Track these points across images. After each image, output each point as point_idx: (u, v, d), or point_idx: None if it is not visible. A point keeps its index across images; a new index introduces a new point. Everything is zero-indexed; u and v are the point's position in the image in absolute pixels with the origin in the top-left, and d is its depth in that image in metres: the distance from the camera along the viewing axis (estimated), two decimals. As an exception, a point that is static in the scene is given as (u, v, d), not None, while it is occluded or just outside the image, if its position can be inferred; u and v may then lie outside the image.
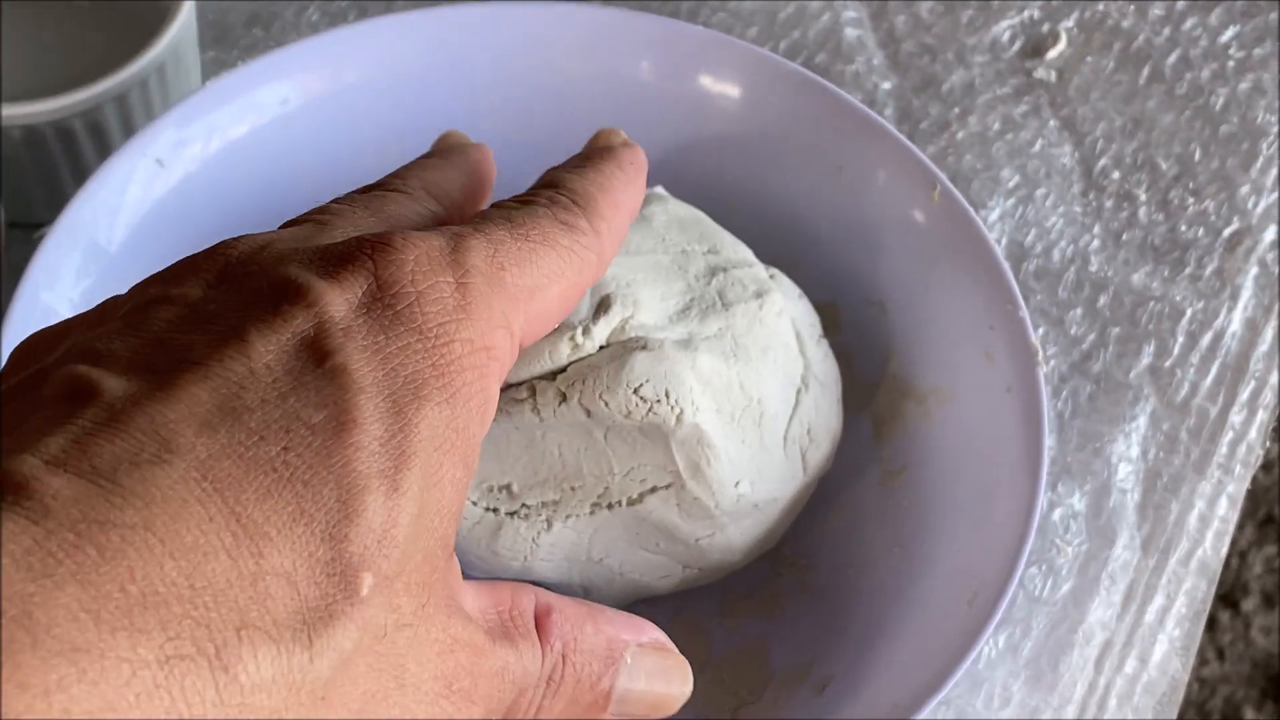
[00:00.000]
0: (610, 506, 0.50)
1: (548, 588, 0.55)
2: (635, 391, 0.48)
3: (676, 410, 0.49)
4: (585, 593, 0.54)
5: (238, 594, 0.26)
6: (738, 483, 0.51)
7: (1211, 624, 1.40)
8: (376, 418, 0.29)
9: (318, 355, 0.29)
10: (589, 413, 0.48)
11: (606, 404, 0.48)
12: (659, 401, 0.48)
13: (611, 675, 0.36)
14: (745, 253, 0.55)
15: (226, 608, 0.26)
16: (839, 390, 0.56)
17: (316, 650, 0.27)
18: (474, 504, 0.50)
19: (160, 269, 0.33)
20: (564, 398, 0.49)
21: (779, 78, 0.61)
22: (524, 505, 0.50)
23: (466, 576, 0.48)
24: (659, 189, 0.56)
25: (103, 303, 0.33)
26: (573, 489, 0.50)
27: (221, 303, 0.31)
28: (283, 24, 0.70)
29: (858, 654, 0.53)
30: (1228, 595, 1.41)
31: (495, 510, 0.50)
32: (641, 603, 0.56)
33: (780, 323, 0.53)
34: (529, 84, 0.62)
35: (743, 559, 0.54)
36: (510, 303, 0.34)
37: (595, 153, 0.44)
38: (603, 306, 0.50)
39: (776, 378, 0.52)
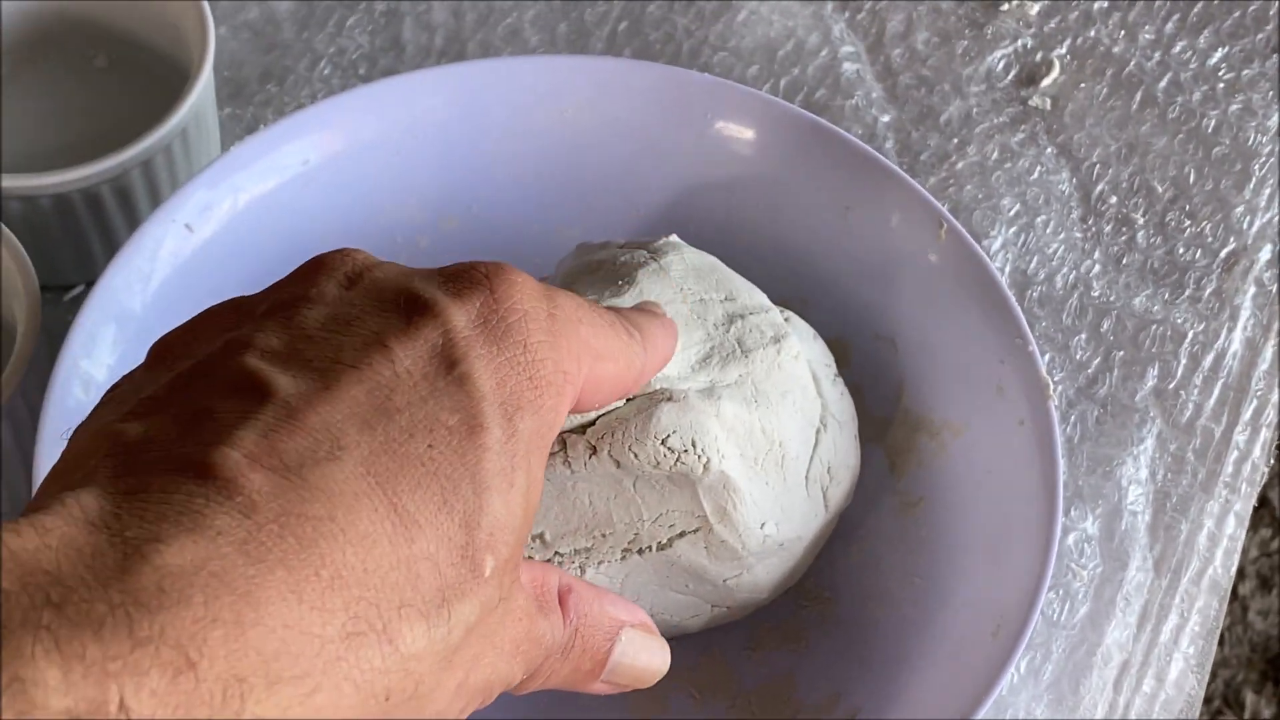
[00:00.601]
0: (640, 552, 0.52)
1: None
2: (663, 442, 0.50)
3: (704, 459, 0.50)
4: None
5: (397, 576, 0.31)
6: (763, 524, 0.52)
7: (1209, 609, 1.42)
8: (496, 423, 0.34)
9: (447, 363, 0.34)
10: (619, 464, 0.50)
11: (635, 455, 0.50)
12: (686, 451, 0.50)
13: (609, 649, 0.42)
14: (760, 298, 0.57)
15: (389, 589, 0.31)
16: (855, 427, 0.58)
17: (453, 624, 0.32)
18: None
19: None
20: (594, 450, 0.50)
21: (786, 122, 0.62)
22: (557, 553, 0.52)
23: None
24: (673, 237, 0.58)
25: (233, 300, 0.38)
26: (603, 536, 0.52)
27: (360, 306, 0.35)
28: (296, 79, 0.71)
29: (884, 686, 0.55)
30: (1226, 579, 1.43)
31: (530, 559, 0.52)
32: (671, 640, 0.58)
33: (797, 366, 0.55)
34: (542, 136, 0.64)
35: (769, 596, 0.56)
36: (582, 347, 0.39)
37: (641, 308, 0.50)
38: None
39: (796, 420, 0.54)
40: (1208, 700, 1.38)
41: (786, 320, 0.57)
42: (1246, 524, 0.62)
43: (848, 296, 0.62)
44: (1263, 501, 1.42)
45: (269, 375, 0.33)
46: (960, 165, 0.70)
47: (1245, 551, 1.43)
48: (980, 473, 0.57)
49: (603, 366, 0.41)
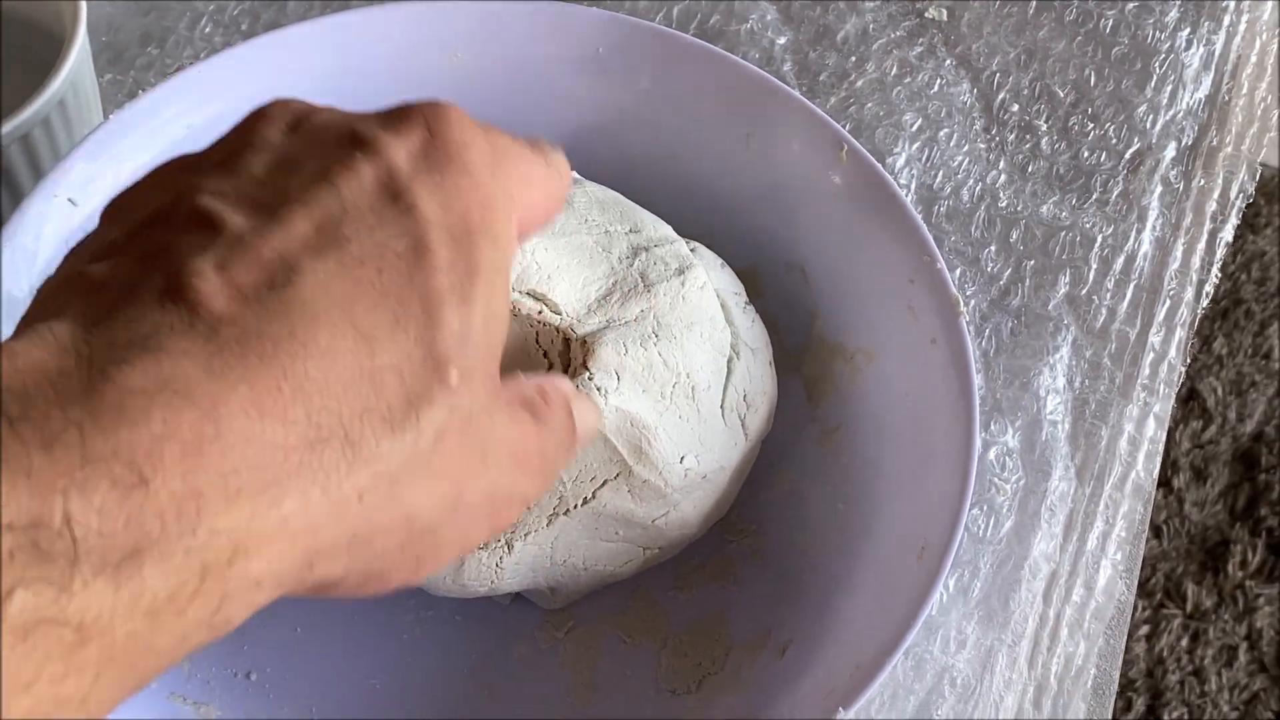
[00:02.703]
0: (567, 513, 0.51)
1: (521, 593, 0.56)
2: None
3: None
4: (553, 592, 0.55)
5: (361, 388, 0.32)
6: (683, 458, 0.52)
7: (1146, 504, 1.43)
8: (443, 245, 0.35)
9: (392, 195, 0.34)
10: None
11: None
12: None
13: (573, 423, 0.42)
14: (665, 230, 0.56)
15: (353, 398, 0.31)
16: (770, 354, 0.57)
17: (422, 428, 0.33)
18: None
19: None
20: None
21: (680, 52, 0.61)
22: None
23: (435, 603, 0.50)
24: (573, 173, 0.57)
25: (178, 158, 0.37)
26: (527, 508, 0.51)
27: (303, 148, 0.35)
28: (177, 39, 0.69)
29: (814, 616, 0.55)
30: (1159, 474, 1.44)
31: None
32: (603, 589, 0.57)
33: (704, 296, 0.54)
34: (432, 83, 0.62)
35: (699, 530, 0.55)
36: (520, 173, 0.39)
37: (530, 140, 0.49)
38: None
39: (704, 350, 0.53)
40: (1149, 594, 1.39)
41: (693, 251, 0.56)
42: (1166, 425, 0.61)
43: (755, 227, 0.62)
44: (1192, 394, 1.43)
45: (222, 211, 0.33)
46: (860, 83, 0.69)
47: (1178, 444, 1.44)
48: (897, 395, 0.57)
49: (533, 192, 0.40)
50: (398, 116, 0.37)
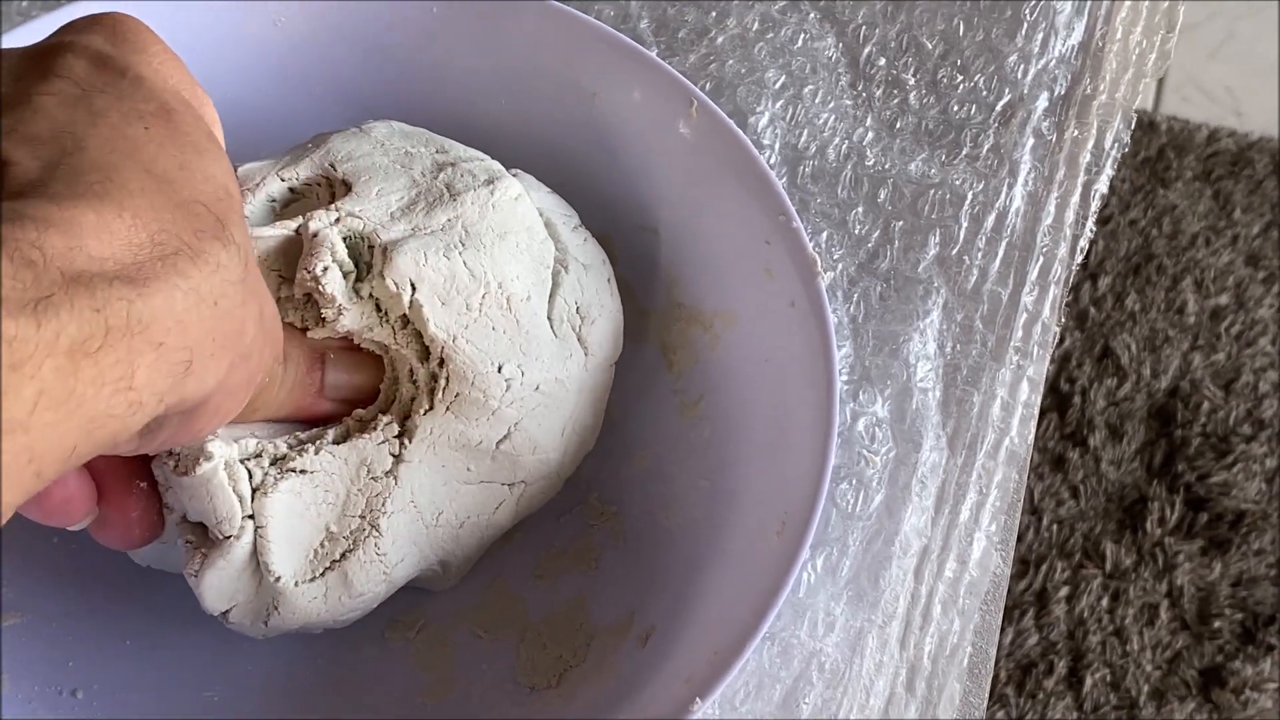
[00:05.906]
0: (400, 457, 0.49)
1: (415, 582, 0.53)
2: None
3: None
4: (444, 567, 0.52)
5: (180, 213, 0.36)
6: (500, 367, 0.49)
7: (1062, 464, 1.41)
8: (182, 106, 0.39)
9: (117, 70, 0.38)
10: None
11: None
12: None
13: (320, 369, 0.48)
14: (477, 152, 0.54)
15: (181, 222, 0.35)
16: (609, 271, 0.55)
17: (238, 243, 0.37)
18: (312, 580, 0.48)
19: None
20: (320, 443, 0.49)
21: (516, 8, 0.58)
22: (348, 535, 0.49)
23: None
24: (387, 121, 0.55)
25: None
26: (368, 470, 0.48)
27: (11, 69, 0.38)
28: (-7, 14, 0.65)
29: (677, 600, 0.52)
30: (1075, 433, 1.43)
31: (333, 565, 0.49)
32: (488, 552, 0.54)
33: (519, 207, 0.52)
34: (256, 46, 0.59)
35: (560, 458, 0.52)
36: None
37: None
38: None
39: (520, 261, 0.51)
40: (1068, 555, 1.38)
41: (515, 175, 0.53)
42: (1042, 389, 0.59)
43: (605, 189, 0.59)
44: (1106, 351, 1.41)
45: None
46: (720, 40, 0.66)
47: (1093, 402, 1.42)
48: (757, 362, 0.54)
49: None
50: (72, 23, 0.40)
